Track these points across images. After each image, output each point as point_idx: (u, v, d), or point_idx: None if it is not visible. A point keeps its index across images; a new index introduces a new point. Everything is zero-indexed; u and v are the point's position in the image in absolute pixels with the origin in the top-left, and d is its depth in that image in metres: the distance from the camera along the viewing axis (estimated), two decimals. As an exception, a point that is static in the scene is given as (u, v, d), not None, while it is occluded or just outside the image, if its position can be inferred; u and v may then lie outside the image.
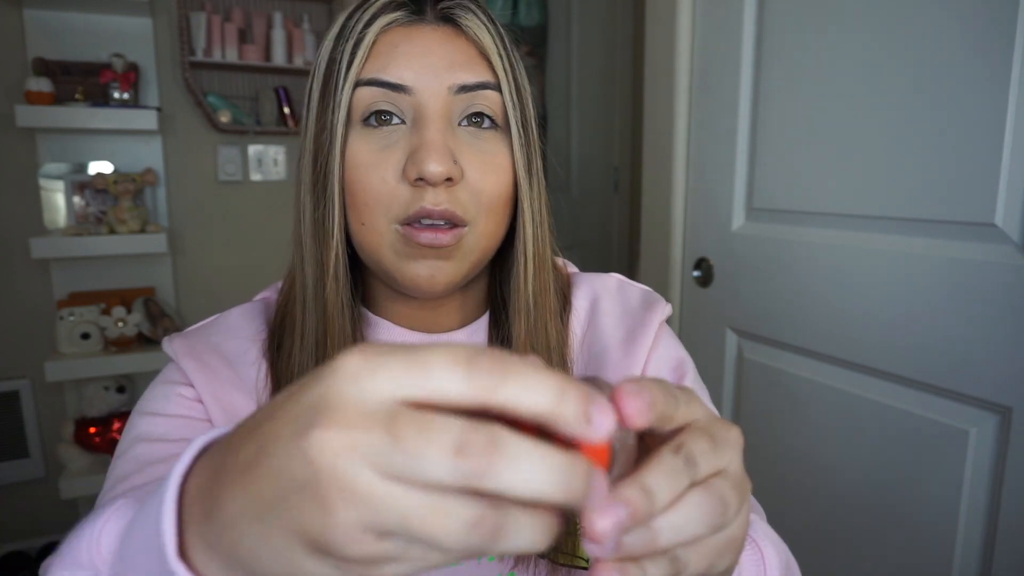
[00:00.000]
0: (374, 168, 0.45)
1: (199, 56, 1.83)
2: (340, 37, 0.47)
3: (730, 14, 1.18)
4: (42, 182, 1.75)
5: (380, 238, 0.46)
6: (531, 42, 2.31)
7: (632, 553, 0.21)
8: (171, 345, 0.51)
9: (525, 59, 2.15)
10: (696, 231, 1.31)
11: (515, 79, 0.48)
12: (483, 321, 0.55)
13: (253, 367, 0.51)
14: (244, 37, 1.91)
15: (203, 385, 0.49)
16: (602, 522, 0.20)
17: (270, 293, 0.58)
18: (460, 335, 0.54)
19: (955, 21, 0.84)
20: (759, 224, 1.17)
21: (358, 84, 0.45)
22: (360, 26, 0.46)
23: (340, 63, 0.46)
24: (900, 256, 0.92)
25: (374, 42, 0.46)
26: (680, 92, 1.31)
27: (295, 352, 0.49)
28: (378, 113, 0.46)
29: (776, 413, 1.16)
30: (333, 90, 0.46)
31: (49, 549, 1.78)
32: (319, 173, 0.47)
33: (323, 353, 0.48)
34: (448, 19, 0.47)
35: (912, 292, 0.91)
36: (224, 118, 1.88)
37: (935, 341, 0.88)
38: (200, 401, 0.49)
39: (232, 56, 1.87)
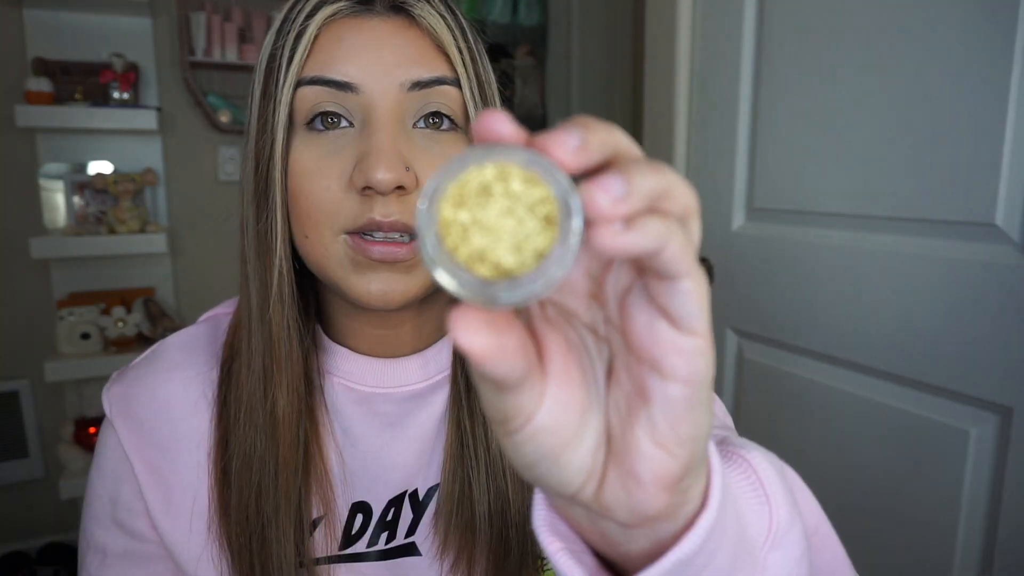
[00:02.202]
0: (318, 176, 0.41)
1: (199, 56, 1.83)
2: (280, 30, 0.42)
3: (730, 14, 1.18)
4: (42, 182, 1.75)
5: (325, 251, 0.42)
6: (531, 42, 2.31)
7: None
8: (108, 395, 0.48)
9: (525, 59, 2.14)
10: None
11: (476, 74, 0.44)
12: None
13: (197, 414, 0.47)
14: (244, 37, 1.90)
15: (133, 447, 0.46)
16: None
17: (223, 309, 0.54)
18: (427, 354, 0.49)
19: (957, 18, 0.84)
20: (759, 224, 1.17)
21: (300, 83, 0.41)
22: (301, 17, 0.41)
23: (280, 59, 0.41)
24: (900, 256, 0.92)
25: (317, 35, 0.41)
26: (680, 92, 1.31)
27: (243, 379, 0.45)
28: (324, 115, 0.41)
29: (776, 413, 1.16)
30: (274, 89, 0.41)
31: (49, 549, 1.78)
32: (260, 181, 0.43)
33: (270, 381, 0.44)
34: (399, 9, 0.43)
35: (913, 292, 0.91)
36: (224, 118, 1.88)
37: (935, 341, 0.88)
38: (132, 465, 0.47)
39: (232, 56, 1.87)
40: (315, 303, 0.50)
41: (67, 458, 1.70)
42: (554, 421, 0.22)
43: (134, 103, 1.74)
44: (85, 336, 1.69)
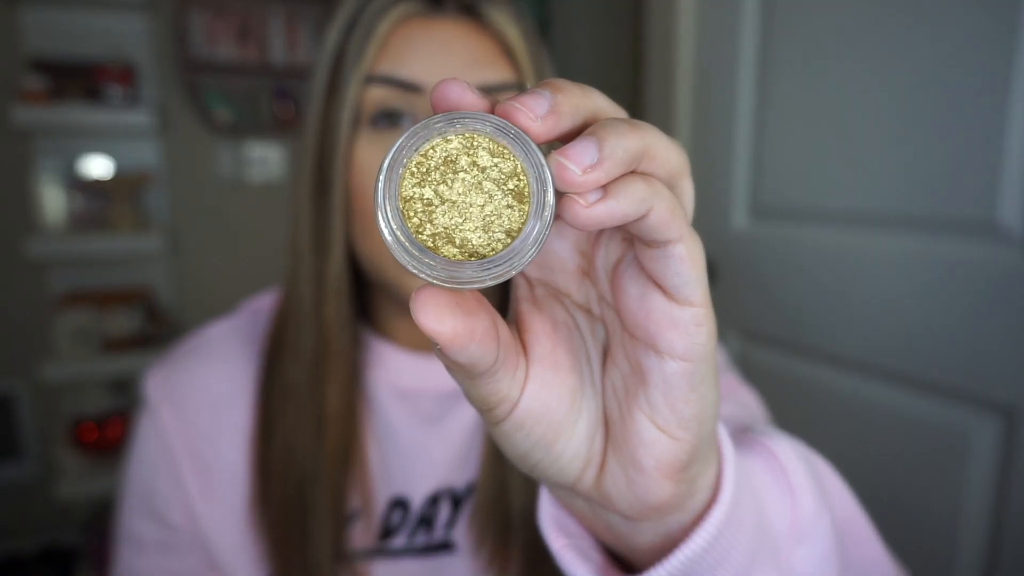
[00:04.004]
0: None
1: (197, 55, 1.82)
2: (350, 27, 0.42)
3: (732, 11, 1.18)
4: (39, 182, 1.74)
5: (383, 248, 0.42)
6: (531, 41, 2.31)
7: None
8: (152, 381, 0.48)
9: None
10: (698, 230, 1.30)
11: (542, 79, 0.44)
12: None
13: (239, 404, 0.47)
14: (242, 35, 1.90)
15: (176, 433, 0.46)
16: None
17: (263, 301, 0.54)
18: None
19: (964, 12, 0.83)
20: (762, 223, 1.16)
21: (368, 80, 0.41)
22: (372, 16, 0.41)
23: (349, 56, 0.41)
24: (907, 256, 0.91)
25: (387, 34, 0.41)
26: (681, 91, 1.30)
27: (289, 371, 0.45)
28: (389, 114, 0.41)
29: (780, 415, 1.15)
30: (340, 85, 0.41)
31: (45, 552, 1.77)
32: (321, 177, 0.43)
33: (321, 374, 0.44)
34: (469, 11, 0.43)
35: (926, 292, 0.90)
36: (222, 117, 1.86)
37: (948, 342, 0.87)
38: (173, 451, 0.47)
39: (230, 55, 1.86)
40: (360, 296, 0.50)
41: (64, 460, 1.69)
42: (542, 407, 0.21)
43: (132, 102, 1.72)
44: (83, 336, 1.68)
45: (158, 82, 1.83)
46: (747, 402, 0.49)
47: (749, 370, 1.22)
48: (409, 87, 0.41)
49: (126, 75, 1.70)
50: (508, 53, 0.43)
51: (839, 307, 1.02)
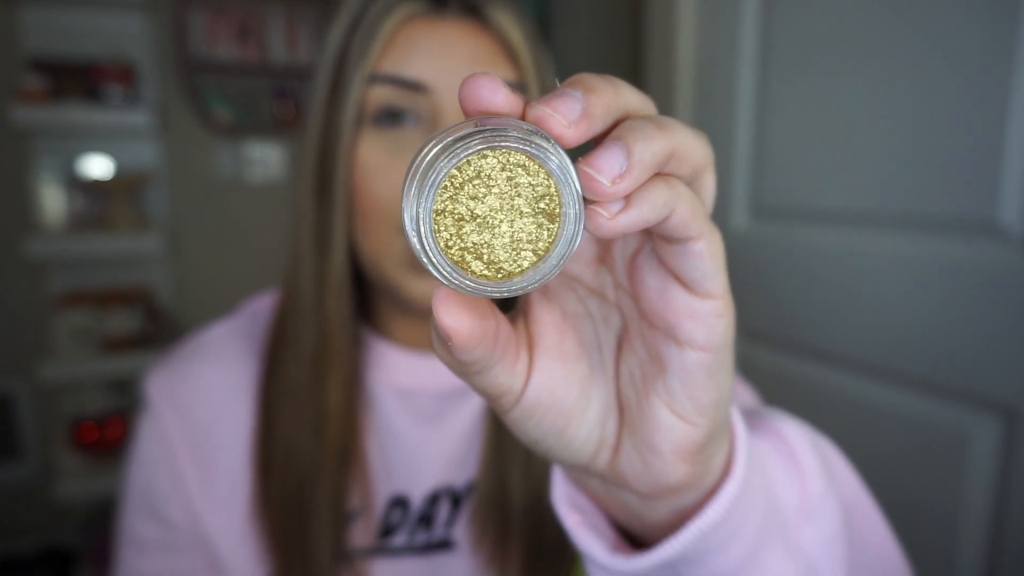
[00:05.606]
0: (383, 173, 0.41)
1: (197, 54, 1.81)
2: (353, 26, 0.42)
3: (732, 11, 1.18)
4: (38, 181, 1.74)
5: (384, 248, 0.42)
6: (531, 41, 2.31)
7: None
8: (154, 382, 0.48)
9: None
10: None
11: (543, 80, 0.44)
12: None
13: (239, 403, 0.47)
14: (242, 35, 1.89)
15: (177, 433, 0.47)
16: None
17: (263, 301, 0.54)
18: None
19: (965, 12, 0.83)
20: (762, 223, 1.17)
21: (371, 80, 0.41)
22: (375, 16, 0.41)
23: (352, 55, 0.41)
24: (907, 256, 0.91)
25: (391, 34, 0.41)
26: (681, 91, 1.30)
27: (289, 370, 0.46)
28: (392, 113, 0.41)
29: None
30: (343, 85, 0.41)
31: (45, 553, 1.77)
32: (324, 176, 0.43)
33: (321, 373, 0.45)
34: (472, 11, 0.43)
35: (924, 292, 0.90)
36: (222, 117, 1.86)
37: (946, 341, 0.87)
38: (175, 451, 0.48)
39: (230, 54, 1.86)
40: (360, 295, 0.50)
41: (63, 460, 1.68)
42: (549, 397, 0.21)
43: (131, 102, 1.72)
44: (82, 336, 1.68)
45: (158, 82, 1.83)
46: (743, 398, 0.49)
47: (749, 370, 1.22)
48: (413, 86, 0.41)
49: (125, 75, 1.70)
50: (510, 54, 0.43)
51: (839, 307, 1.02)
